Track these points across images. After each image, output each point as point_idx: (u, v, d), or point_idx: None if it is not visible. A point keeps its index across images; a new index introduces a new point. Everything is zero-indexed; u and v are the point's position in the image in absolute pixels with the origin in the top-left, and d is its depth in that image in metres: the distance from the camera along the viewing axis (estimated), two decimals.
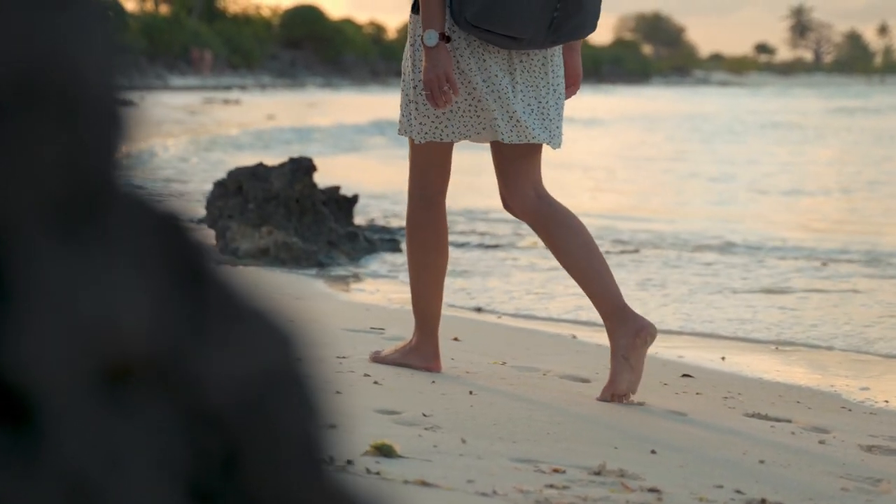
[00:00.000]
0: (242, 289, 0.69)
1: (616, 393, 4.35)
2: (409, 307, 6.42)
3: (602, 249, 4.72)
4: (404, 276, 7.90)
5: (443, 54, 4.26)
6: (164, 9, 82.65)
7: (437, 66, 4.26)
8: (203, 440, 0.62)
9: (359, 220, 10.56)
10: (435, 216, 4.59)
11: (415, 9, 4.40)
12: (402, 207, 12.18)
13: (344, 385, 4.25)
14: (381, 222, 10.68)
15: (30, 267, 0.55)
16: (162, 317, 0.61)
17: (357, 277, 7.90)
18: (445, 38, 4.29)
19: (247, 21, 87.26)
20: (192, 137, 24.92)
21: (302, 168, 8.47)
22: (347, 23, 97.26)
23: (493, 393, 4.35)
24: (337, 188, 8.88)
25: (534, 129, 4.40)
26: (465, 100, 4.36)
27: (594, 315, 6.71)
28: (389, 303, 6.83)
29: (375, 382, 4.34)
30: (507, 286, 7.74)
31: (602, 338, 6.01)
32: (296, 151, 17.80)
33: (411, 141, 4.52)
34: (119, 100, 0.63)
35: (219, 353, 0.64)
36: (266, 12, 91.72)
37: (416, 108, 4.41)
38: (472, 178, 12.26)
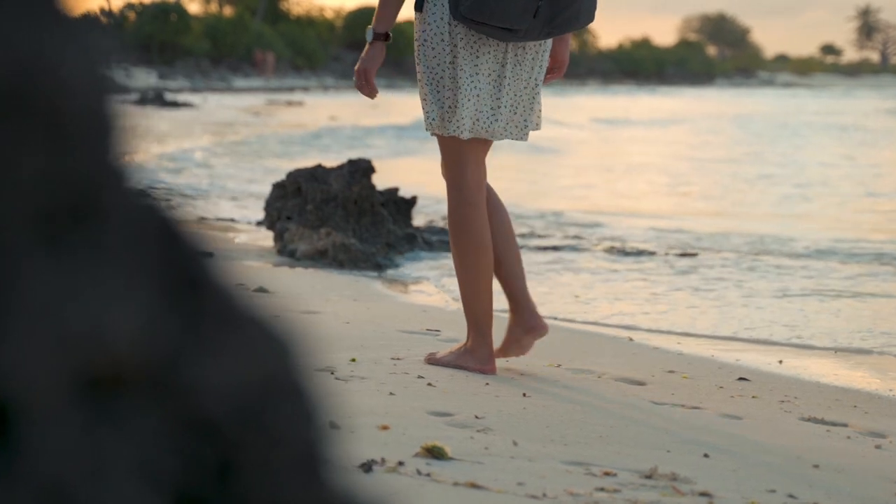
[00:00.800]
0: (242, 297, 0.69)
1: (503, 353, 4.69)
2: (457, 311, 6.44)
3: (662, 252, 4.74)
4: None
5: (375, 52, 4.52)
6: (227, 11, 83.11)
7: (364, 60, 4.52)
8: (197, 449, 0.62)
9: (418, 221, 10.59)
10: (477, 213, 4.61)
11: (418, 7, 4.50)
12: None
13: (398, 386, 4.26)
14: (440, 224, 10.68)
15: (12, 276, 0.55)
16: (154, 325, 0.61)
17: (414, 279, 7.90)
18: (384, 38, 4.52)
19: (310, 23, 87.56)
20: (255, 137, 25.04)
21: (360, 169, 8.49)
22: (410, 24, 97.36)
23: (547, 395, 4.34)
24: (395, 190, 8.90)
25: (503, 129, 4.55)
26: (452, 93, 4.48)
27: (652, 318, 6.69)
28: (446, 305, 6.83)
29: (429, 384, 4.35)
30: (563, 288, 7.72)
31: (659, 341, 6.00)
32: (356, 153, 17.87)
33: (440, 141, 4.62)
34: (109, 108, 0.63)
35: (214, 361, 0.64)
36: (329, 14, 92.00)
37: (435, 104, 4.53)
38: (528, 179, 12.24)
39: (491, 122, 4.52)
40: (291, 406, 0.70)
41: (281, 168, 13.65)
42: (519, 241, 9.83)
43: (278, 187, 8.74)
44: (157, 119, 31.30)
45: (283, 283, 7.12)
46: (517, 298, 4.71)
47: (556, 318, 6.49)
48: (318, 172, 8.58)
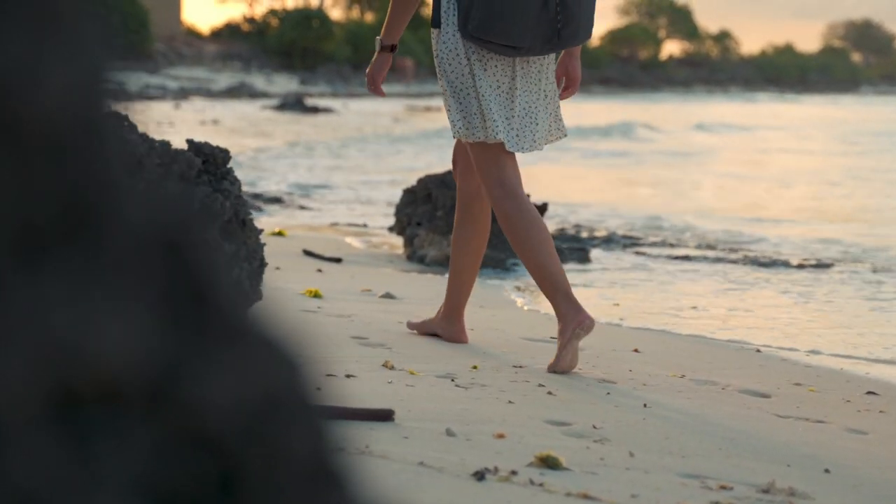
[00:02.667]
0: (250, 311, 0.69)
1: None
2: (599, 320, 6.40)
3: (796, 262, 4.70)
4: (592, 287, 7.86)
5: (382, 61, 4.95)
6: (369, 17, 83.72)
7: (373, 67, 4.96)
8: (198, 464, 0.62)
9: (550, 228, 10.56)
10: (520, 201, 4.88)
11: (435, 24, 4.82)
12: (596, 216, 12.13)
13: (517, 395, 4.25)
14: (570, 231, 10.64)
15: None
16: (151, 339, 0.61)
17: None
18: (391, 49, 4.95)
19: None
20: (388, 142, 25.21)
21: None
22: None
23: (668, 406, 4.30)
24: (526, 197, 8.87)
25: (519, 136, 4.81)
26: (477, 103, 4.79)
27: (781, 330, 6.59)
28: None
29: (549, 393, 4.33)
30: (691, 298, 7.64)
31: (786, 353, 5.90)
32: None
33: (471, 148, 4.91)
34: (100, 118, 0.63)
35: (216, 376, 0.64)
36: None
37: (460, 113, 4.82)
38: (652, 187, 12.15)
39: (507, 132, 4.79)
40: (296, 422, 0.70)
41: (416, 169, 13.71)
42: (651, 250, 9.76)
43: (409, 193, 8.78)
44: (297, 124, 31.65)
45: (411, 289, 7.14)
46: (453, 304, 5.24)
47: (677, 329, 6.43)
48: (448, 178, 8.59)
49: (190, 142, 3.44)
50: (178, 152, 3.33)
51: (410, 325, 5.41)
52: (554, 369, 4.74)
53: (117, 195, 0.62)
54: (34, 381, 0.56)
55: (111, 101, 0.65)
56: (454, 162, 5.18)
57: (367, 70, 4.96)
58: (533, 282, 7.85)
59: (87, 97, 0.63)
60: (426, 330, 5.35)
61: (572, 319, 4.75)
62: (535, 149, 4.87)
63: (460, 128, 4.81)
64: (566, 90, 4.98)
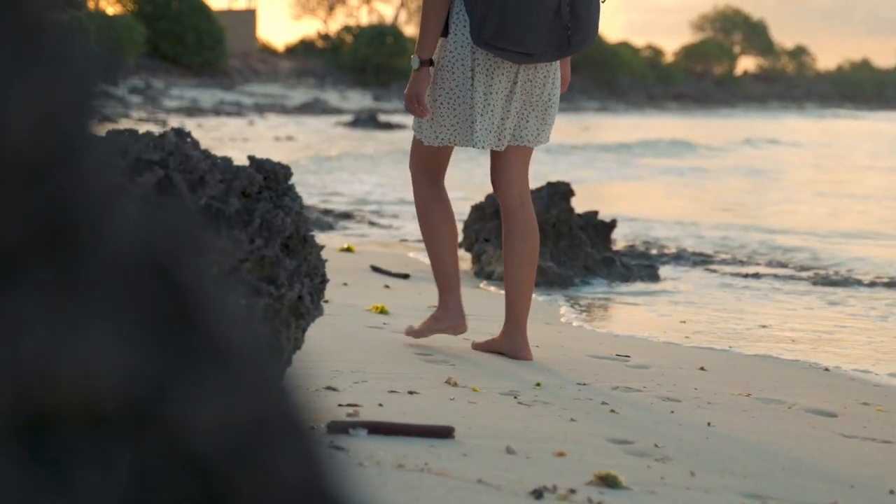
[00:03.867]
0: (242, 334, 0.69)
1: (477, 343, 5.34)
2: (658, 337, 6.36)
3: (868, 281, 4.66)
4: (660, 305, 7.82)
5: (421, 77, 5.06)
6: None
7: (415, 85, 5.07)
8: (184, 487, 0.62)
9: (619, 244, 10.51)
10: (438, 194, 5.31)
11: (444, 33, 5.06)
12: (666, 232, 12.07)
13: (580, 412, 4.23)
14: (640, 248, 10.59)
15: None
16: (134, 361, 0.61)
17: (610, 303, 7.85)
18: (429, 63, 5.06)
19: None
20: (461, 157, 25.23)
21: (559, 192, 8.48)
22: (624, 46, 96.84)
23: (732, 425, 4.26)
24: (595, 213, 8.85)
25: (523, 134, 5.16)
26: (472, 111, 5.06)
27: (853, 352, 6.51)
28: (639, 331, 6.76)
29: (612, 411, 4.31)
30: (757, 317, 7.57)
31: (855, 373, 5.83)
32: (558, 173, 17.83)
33: (416, 140, 5.27)
34: (79, 141, 0.63)
35: (203, 398, 0.64)
36: None
37: (433, 117, 5.13)
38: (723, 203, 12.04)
39: (497, 135, 5.11)
40: (286, 444, 0.70)
41: (483, 189, 13.72)
42: (721, 267, 9.69)
43: (477, 209, 8.78)
44: (370, 140, 31.75)
45: (478, 305, 7.13)
46: (514, 317, 5.32)
47: (745, 347, 6.37)
48: None
49: (251, 158, 3.46)
50: (240, 169, 3.35)
51: (475, 346, 5.43)
52: (409, 332, 5.32)
53: (98, 217, 0.62)
54: (4, 402, 0.56)
55: (94, 123, 0.65)
56: (493, 181, 5.39)
57: (406, 91, 5.11)
58: (600, 299, 7.83)
59: (67, 119, 0.64)
60: (491, 349, 5.36)
61: (450, 319, 5.30)
62: (498, 147, 5.15)
63: (429, 135, 5.16)
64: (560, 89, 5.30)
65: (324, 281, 3.56)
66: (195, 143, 3.37)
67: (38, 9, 0.65)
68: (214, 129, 33.49)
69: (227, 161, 3.37)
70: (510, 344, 5.29)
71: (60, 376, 0.57)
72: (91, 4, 57.78)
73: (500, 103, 5.06)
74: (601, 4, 5.02)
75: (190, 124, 34.79)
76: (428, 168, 5.32)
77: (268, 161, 3.45)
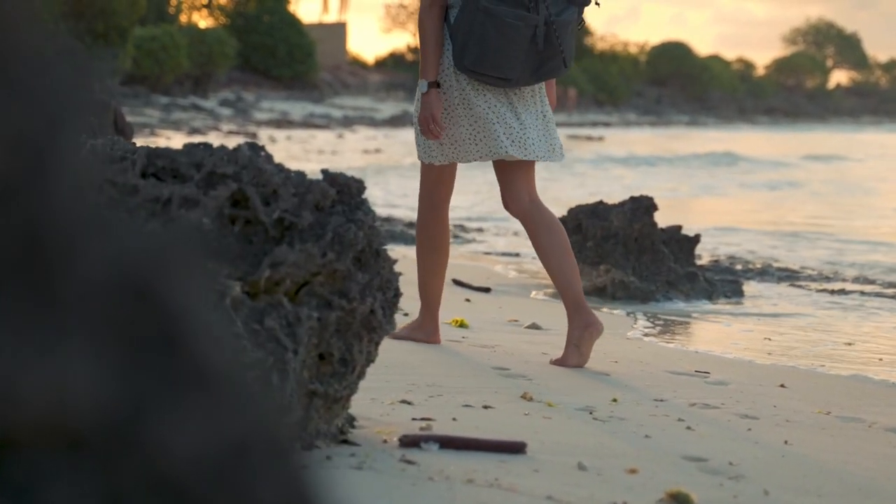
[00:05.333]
0: (223, 357, 0.69)
1: (563, 364, 5.36)
2: (739, 354, 6.30)
3: None
4: (743, 321, 7.75)
5: (433, 99, 5.31)
6: None
7: (427, 108, 5.31)
8: None
9: (704, 259, 10.43)
10: (438, 218, 5.63)
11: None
12: (752, 247, 11.96)
13: (655, 429, 4.20)
14: (725, 263, 10.50)
15: None
16: (106, 383, 0.61)
17: (691, 319, 7.79)
18: (436, 85, 5.31)
19: (613, 58, 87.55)
20: (546, 171, 25.19)
21: (642, 207, 8.44)
22: (715, 59, 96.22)
23: (810, 443, 4.21)
24: (678, 227, 8.79)
25: (537, 149, 5.37)
26: (470, 129, 5.33)
27: None
28: (720, 348, 6.70)
29: (688, 427, 4.27)
30: (839, 335, 7.48)
31: None
32: (645, 187, 17.73)
33: (423, 164, 5.54)
34: (52, 164, 0.63)
35: (181, 421, 0.64)
36: (633, 49, 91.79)
37: (422, 138, 5.41)
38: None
39: (524, 143, 5.36)
40: (267, 469, 0.69)
41: (567, 199, 13.65)
42: (807, 283, 9.59)
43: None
44: None
45: (559, 319, 7.11)
46: (570, 303, 5.44)
47: (828, 365, 6.29)
48: (598, 209, 8.56)
49: (325, 172, 3.47)
50: (313, 182, 3.37)
51: (553, 362, 5.44)
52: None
53: (73, 238, 0.62)
54: None
55: (70, 144, 0.65)
56: (503, 199, 5.61)
57: (420, 114, 5.34)
58: (682, 314, 7.77)
59: (40, 140, 0.64)
60: (568, 354, 5.41)
61: (425, 334, 5.64)
62: (548, 158, 5.43)
63: (425, 154, 5.46)
64: None
65: (397, 295, 3.56)
66: (269, 157, 3.39)
67: (11, 30, 0.66)
68: (304, 142, 33.72)
69: (300, 175, 3.39)
70: (579, 326, 5.40)
71: (29, 399, 0.57)
72: (184, 18, 58.31)
73: (509, 114, 5.32)
74: (577, 30, 5.38)
75: (279, 136, 35.05)
76: (433, 192, 5.59)
77: (341, 175, 3.47)
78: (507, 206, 5.57)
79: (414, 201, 16.95)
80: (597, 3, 5.41)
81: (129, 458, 0.62)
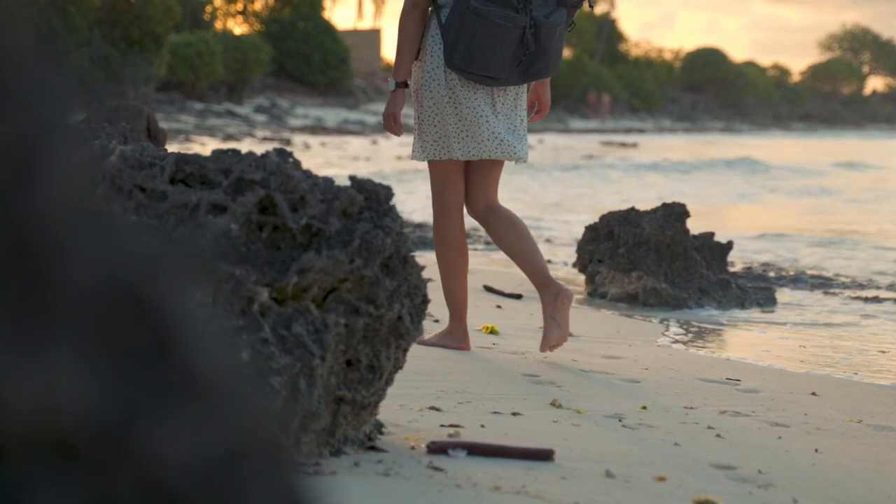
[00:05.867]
0: (217, 364, 0.68)
1: (548, 345, 5.55)
2: (771, 361, 6.27)
3: None
4: (776, 328, 7.71)
5: (398, 98, 5.56)
6: (566, 52, 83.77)
7: (391, 106, 5.57)
8: None
9: (737, 266, 10.39)
10: (452, 222, 5.71)
11: (416, 56, 5.54)
12: (785, 254, 11.90)
13: (684, 437, 4.18)
14: (758, 270, 10.46)
15: None
16: (100, 391, 0.61)
17: (723, 326, 7.75)
18: (404, 85, 5.54)
19: (648, 64, 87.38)
20: (577, 177, 25.17)
21: (674, 213, 8.41)
22: (750, 65, 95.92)
23: (841, 452, 4.18)
24: (711, 234, 8.76)
25: (515, 147, 5.57)
26: (456, 127, 5.51)
27: None
28: (752, 355, 6.67)
29: (718, 436, 4.26)
30: (878, 342, 7.43)
31: None
32: (675, 193, 17.71)
33: (431, 168, 5.68)
34: (36, 173, 0.63)
35: (173, 430, 0.64)
36: (668, 55, 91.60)
37: (421, 136, 5.59)
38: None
39: (497, 144, 5.53)
40: (260, 477, 0.69)
41: (600, 206, 13.62)
42: (840, 290, 9.54)
43: (591, 230, 8.75)
44: None
45: (590, 326, 7.10)
46: (537, 278, 5.61)
47: (861, 372, 6.25)
48: (630, 216, 8.54)
49: (352, 178, 3.48)
50: (341, 189, 3.37)
51: (542, 348, 5.65)
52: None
53: (63, 245, 0.62)
54: None
55: (59, 150, 0.65)
56: (466, 194, 5.78)
57: (384, 111, 5.60)
58: (713, 323, 7.74)
59: (29, 146, 0.64)
60: (551, 341, 5.59)
61: (455, 340, 5.65)
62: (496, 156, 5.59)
63: (417, 151, 5.62)
64: (538, 114, 5.81)
65: (425, 301, 3.56)
66: (297, 163, 3.40)
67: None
68: (338, 148, 33.77)
69: (328, 181, 3.39)
70: (549, 298, 5.57)
71: (17, 406, 0.57)
72: (219, 25, 58.44)
73: (491, 115, 5.52)
74: (566, 32, 5.51)
75: (314, 143, 35.12)
76: (443, 195, 5.70)
77: (369, 181, 3.47)
78: (470, 202, 5.76)
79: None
80: (590, 6, 5.59)
81: (121, 466, 0.61)
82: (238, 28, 61.05)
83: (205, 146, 30.31)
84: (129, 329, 0.64)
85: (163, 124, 34.29)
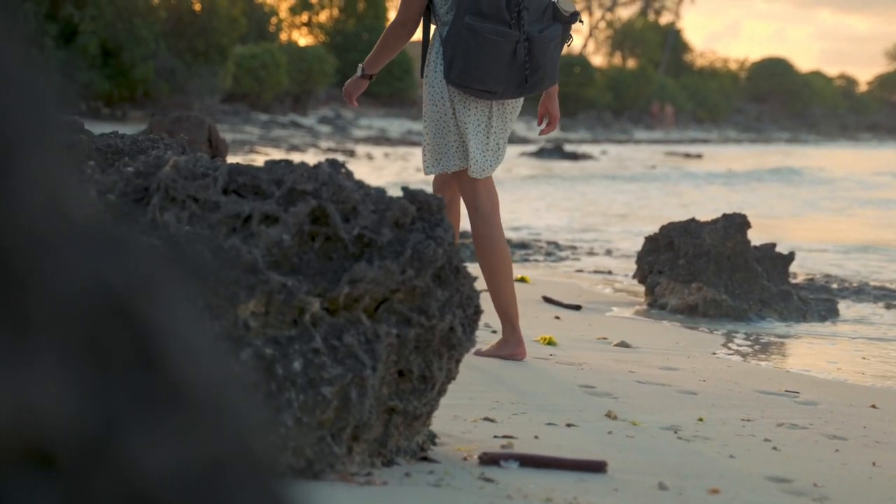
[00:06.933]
0: (203, 374, 0.68)
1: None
2: (831, 374, 6.22)
3: None
4: (838, 341, 7.64)
5: (359, 84, 5.83)
6: (631, 63, 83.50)
7: (351, 87, 5.85)
8: None
9: (799, 277, 10.30)
10: (493, 230, 5.72)
11: (422, 73, 5.74)
12: (848, 265, 11.79)
13: (740, 449, 4.15)
14: (821, 281, 10.37)
15: None
16: (82, 401, 0.61)
17: (784, 338, 7.69)
18: (369, 77, 5.82)
19: (713, 74, 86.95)
20: (639, 188, 25.07)
21: (735, 224, 8.36)
22: (817, 75, 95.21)
23: None
24: (772, 245, 8.70)
25: (490, 166, 5.68)
26: (456, 139, 5.64)
27: None
28: (812, 367, 6.61)
29: (774, 448, 4.22)
30: None
31: None
32: (743, 204, 17.57)
33: (463, 178, 5.74)
34: (13, 181, 0.63)
35: (158, 440, 0.64)
36: (733, 66, 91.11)
37: (433, 150, 5.71)
38: None
39: (486, 161, 5.66)
40: (244, 487, 0.68)
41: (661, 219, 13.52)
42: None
43: (651, 241, 8.71)
44: (554, 170, 31.75)
45: (648, 337, 7.07)
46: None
47: None
48: (691, 227, 8.50)
49: (405, 189, 3.48)
50: (393, 200, 3.38)
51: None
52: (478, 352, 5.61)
53: (45, 255, 0.63)
54: None
55: (41, 156, 0.66)
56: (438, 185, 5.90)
57: (345, 87, 5.86)
58: (774, 335, 7.68)
59: (4, 153, 0.64)
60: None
61: (512, 347, 5.64)
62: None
63: (429, 164, 5.73)
64: (548, 126, 5.87)
65: (477, 312, 3.56)
66: (349, 174, 3.41)
67: None
68: (402, 159, 33.84)
69: (380, 192, 3.40)
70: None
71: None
72: (284, 37, 58.67)
73: (483, 132, 5.63)
74: (563, 46, 5.66)
75: (377, 153, 35.21)
76: (477, 202, 5.73)
77: (421, 192, 3.48)
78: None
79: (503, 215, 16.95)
80: (580, 21, 5.69)
81: (102, 477, 0.61)
82: (303, 39, 61.37)
83: (269, 157, 30.46)
84: (112, 338, 0.64)
85: (228, 136, 34.53)
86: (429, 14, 5.70)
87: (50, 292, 0.61)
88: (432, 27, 5.74)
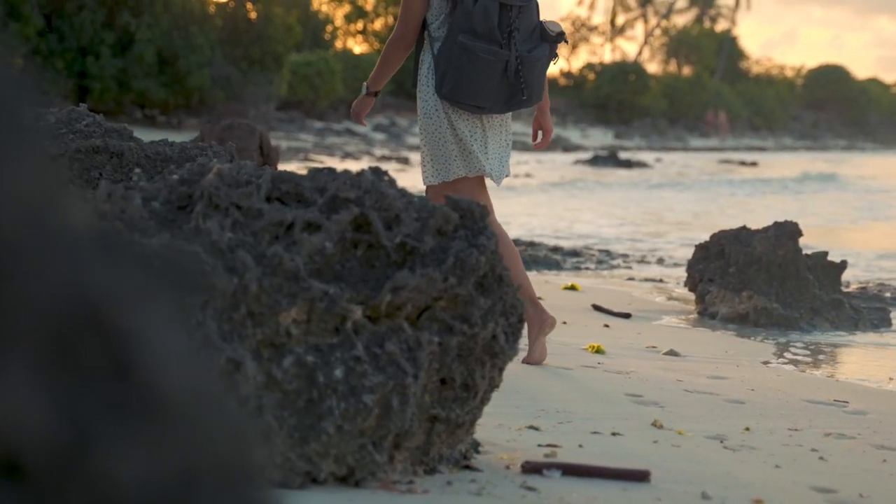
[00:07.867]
0: (178, 384, 0.68)
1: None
2: (882, 384, 6.17)
3: None
4: (888, 351, 7.57)
5: (365, 102, 5.98)
6: (686, 70, 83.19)
7: (358, 105, 5.99)
8: None
9: (852, 286, 10.22)
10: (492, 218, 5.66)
11: (413, 85, 5.91)
12: None
13: (786, 459, 4.13)
14: (874, 290, 10.28)
15: None
16: (55, 411, 0.61)
17: (834, 347, 7.63)
18: (374, 94, 6.00)
19: (769, 82, 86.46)
20: (693, 196, 24.96)
21: (786, 233, 8.31)
22: (874, 82, 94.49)
23: None
24: (825, 253, 8.64)
25: (495, 171, 5.86)
26: (455, 147, 5.79)
27: None
28: (862, 377, 6.55)
29: (821, 458, 4.19)
30: None
31: None
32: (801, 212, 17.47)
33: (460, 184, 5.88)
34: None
35: (131, 451, 0.64)
36: (790, 73, 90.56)
37: (432, 161, 5.84)
38: None
39: (489, 166, 5.83)
40: (220, 498, 0.68)
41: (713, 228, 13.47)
42: None
43: (701, 249, 8.67)
44: (609, 178, 31.69)
45: (698, 346, 7.04)
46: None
47: None
48: (742, 235, 8.45)
49: (448, 197, 3.49)
50: (436, 207, 3.38)
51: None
52: (527, 361, 5.69)
53: (16, 265, 0.63)
54: None
55: (17, 167, 0.66)
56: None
57: (353, 106, 6.00)
58: (825, 344, 7.62)
59: None
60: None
61: (537, 321, 5.74)
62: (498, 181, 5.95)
63: (429, 175, 5.86)
64: (542, 140, 6.10)
65: (521, 320, 3.55)
66: (392, 182, 3.42)
67: None
68: None
69: (423, 199, 3.40)
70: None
71: None
72: (339, 44, 58.83)
73: (479, 139, 5.82)
74: (550, 63, 5.84)
75: None
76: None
77: (464, 200, 3.48)
78: None
79: (545, 223, 16.93)
80: (565, 42, 5.88)
81: (75, 487, 0.62)
82: (358, 47, 61.55)
83: (323, 165, 30.55)
84: (84, 348, 0.64)
85: (283, 143, 34.65)
86: (421, 29, 5.87)
87: (22, 301, 0.61)
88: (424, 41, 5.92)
